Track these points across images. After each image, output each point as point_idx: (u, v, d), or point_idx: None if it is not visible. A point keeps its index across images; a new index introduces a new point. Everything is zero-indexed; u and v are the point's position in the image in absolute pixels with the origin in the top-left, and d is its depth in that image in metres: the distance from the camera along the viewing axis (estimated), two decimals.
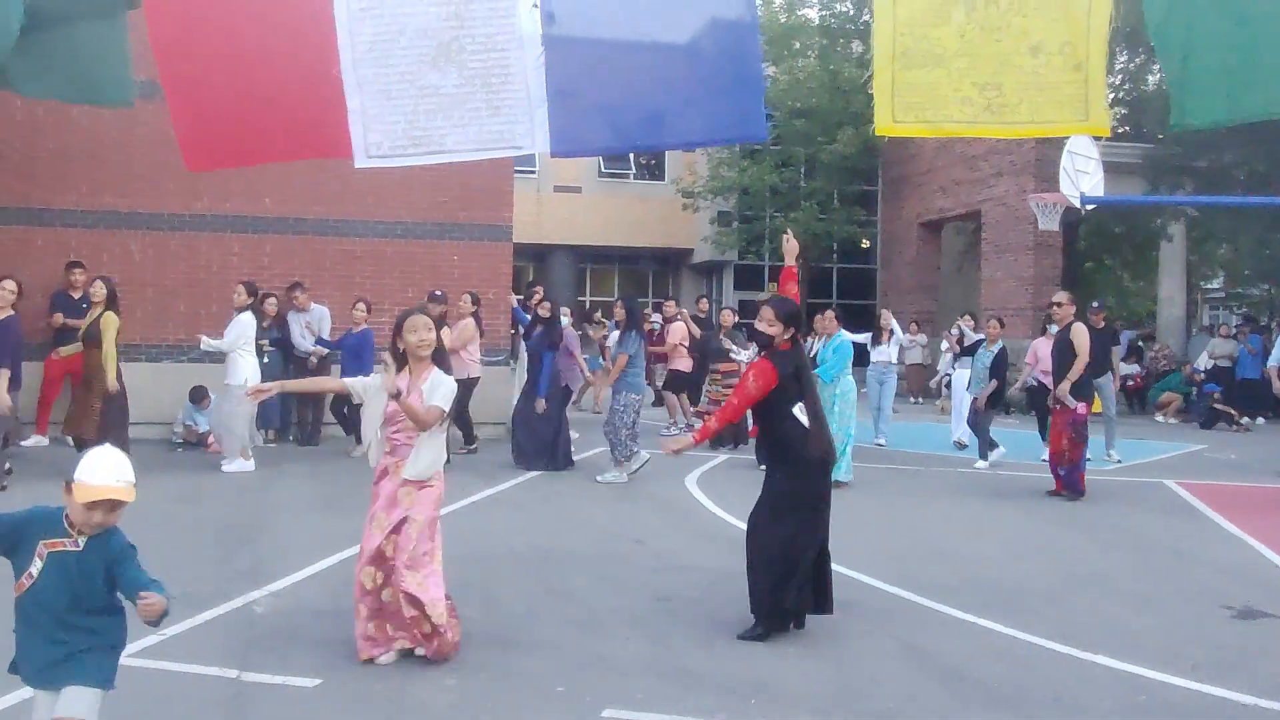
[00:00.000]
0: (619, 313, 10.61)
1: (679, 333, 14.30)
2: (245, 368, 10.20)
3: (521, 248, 19.68)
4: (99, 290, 9.78)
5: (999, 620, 5.76)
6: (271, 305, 12.14)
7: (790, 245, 5.90)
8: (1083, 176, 15.96)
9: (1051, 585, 6.67)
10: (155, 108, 10.75)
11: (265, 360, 11.57)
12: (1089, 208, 16.73)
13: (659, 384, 15.05)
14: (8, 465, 9.04)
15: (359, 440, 11.44)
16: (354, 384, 5.07)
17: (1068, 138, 15.80)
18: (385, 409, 4.89)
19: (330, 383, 5.17)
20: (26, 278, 11.62)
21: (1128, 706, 4.63)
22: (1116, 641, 5.45)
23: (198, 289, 12.43)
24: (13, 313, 9.09)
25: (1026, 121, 4.74)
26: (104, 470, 3.03)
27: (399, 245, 13.14)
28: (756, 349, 5.63)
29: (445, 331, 11.41)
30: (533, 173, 27.85)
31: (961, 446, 13.14)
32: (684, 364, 14.32)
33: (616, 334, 12.37)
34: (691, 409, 14.09)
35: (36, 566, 3.06)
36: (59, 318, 11.46)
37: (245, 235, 12.71)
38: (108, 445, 3.15)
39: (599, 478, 10.15)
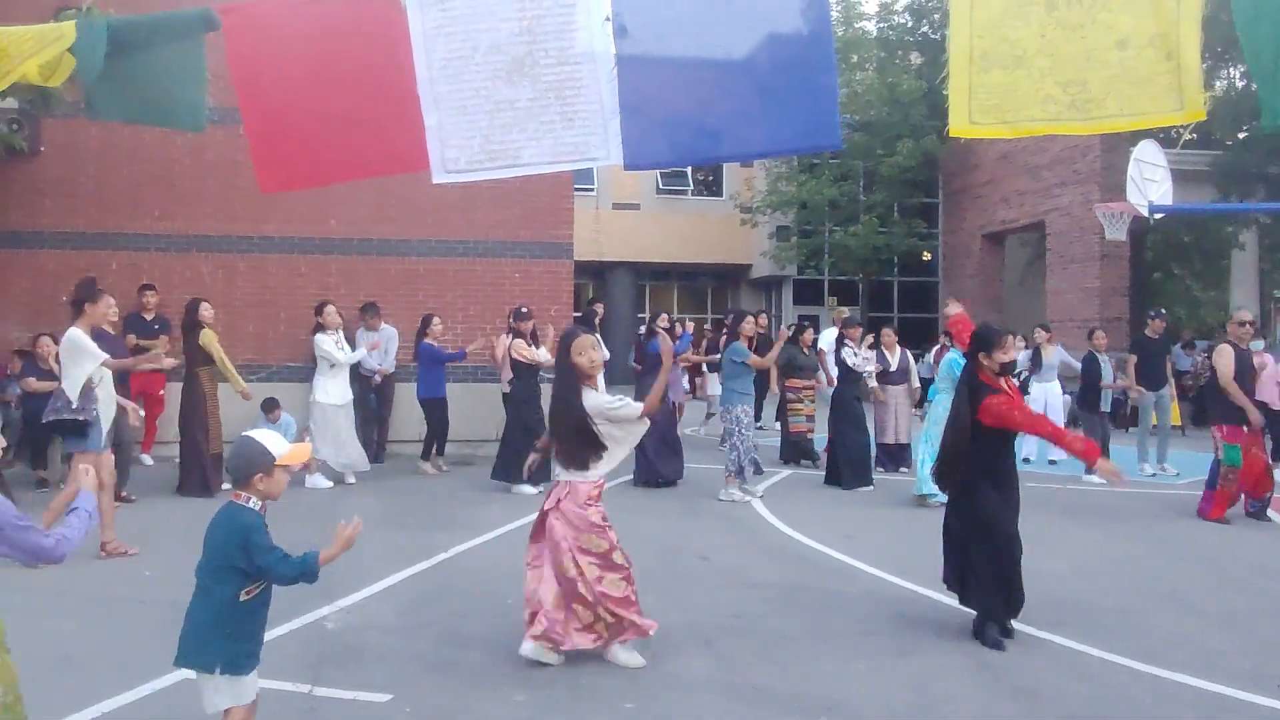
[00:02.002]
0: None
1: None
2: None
3: (581, 265, 19.80)
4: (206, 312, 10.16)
5: (1075, 638, 5.64)
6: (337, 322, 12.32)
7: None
8: (1151, 185, 15.62)
9: (1128, 602, 6.52)
10: (225, 133, 11.04)
11: None
12: (1158, 216, 16.38)
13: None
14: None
15: (439, 452, 11.60)
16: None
17: (1134, 146, 15.52)
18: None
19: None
20: None
21: None
22: (1198, 660, 5.31)
23: (266, 309, 12.65)
24: (110, 332, 9.41)
25: (1115, 115, 4.57)
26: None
27: (461, 264, 13.27)
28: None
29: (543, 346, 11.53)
30: (591, 190, 27.98)
31: (1052, 463, 12.93)
32: None
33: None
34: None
35: None
36: (132, 339, 11.71)
37: (311, 256, 12.92)
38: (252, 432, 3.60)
39: (721, 495, 10.14)
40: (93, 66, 5.08)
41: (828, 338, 13.30)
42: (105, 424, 7.37)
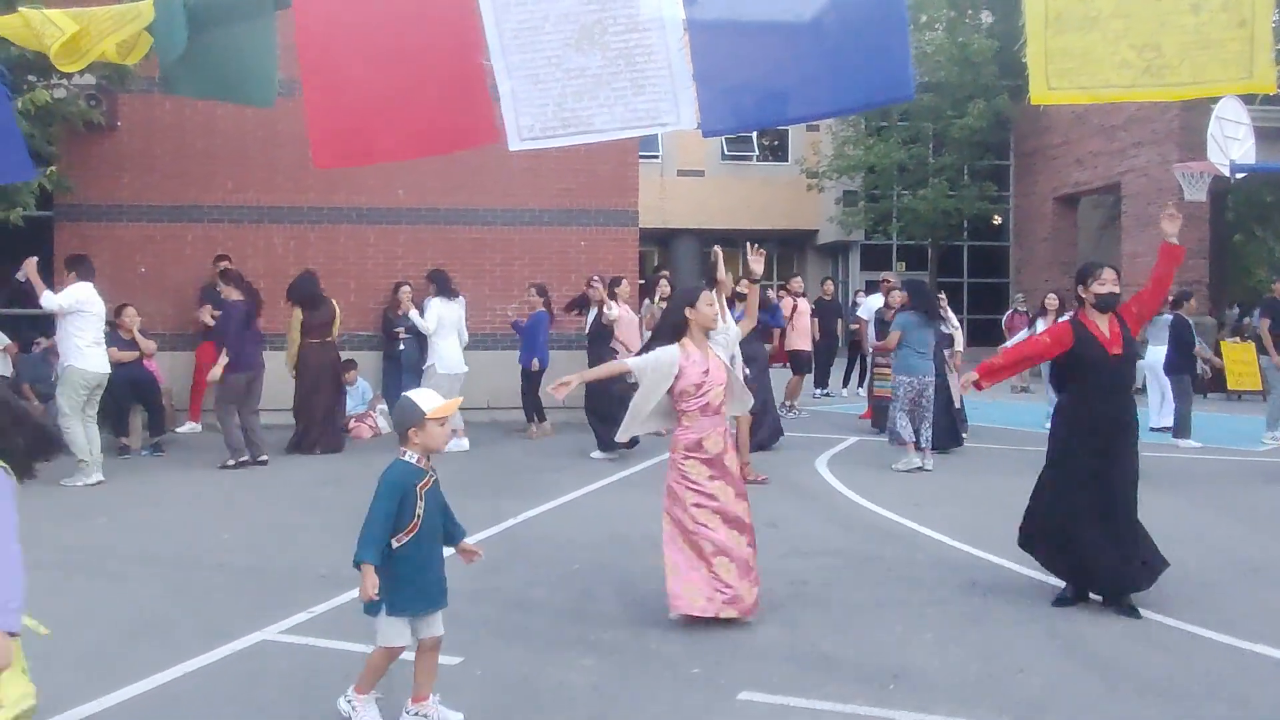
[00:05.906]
0: (902, 296, 10.56)
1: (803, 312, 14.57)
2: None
3: (646, 233, 19.80)
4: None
5: (1152, 608, 5.53)
6: (406, 293, 12.45)
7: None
8: (1233, 143, 15.12)
9: (1209, 573, 6.37)
10: (296, 106, 11.07)
11: (401, 347, 11.95)
12: (1239, 176, 15.86)
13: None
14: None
15: (540, 419, 11.69)
16: (635, 364, 5.34)
17: (1214, 104, 15.03)
18: (693, 380, 5.14)
19: (618, 366, 5.52)
20: (178, 272, 12.35)
21: None
22: None
23: (336, 279, 12.82)
24: (240, 297, 9.79)
25: (1188, 82, 4.50)
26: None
27: (527, 232, 13.33)
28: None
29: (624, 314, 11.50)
30: (656, 157, 27.87)
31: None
32: (804, 344, 14.35)
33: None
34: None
35: (421, 507, 3.80)
36: (208, 309, 11.97)
37: (380, 226, 13.08)
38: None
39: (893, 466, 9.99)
40: (170, 45, 5.18)
41: (870, 306, 13.23)
42: None
